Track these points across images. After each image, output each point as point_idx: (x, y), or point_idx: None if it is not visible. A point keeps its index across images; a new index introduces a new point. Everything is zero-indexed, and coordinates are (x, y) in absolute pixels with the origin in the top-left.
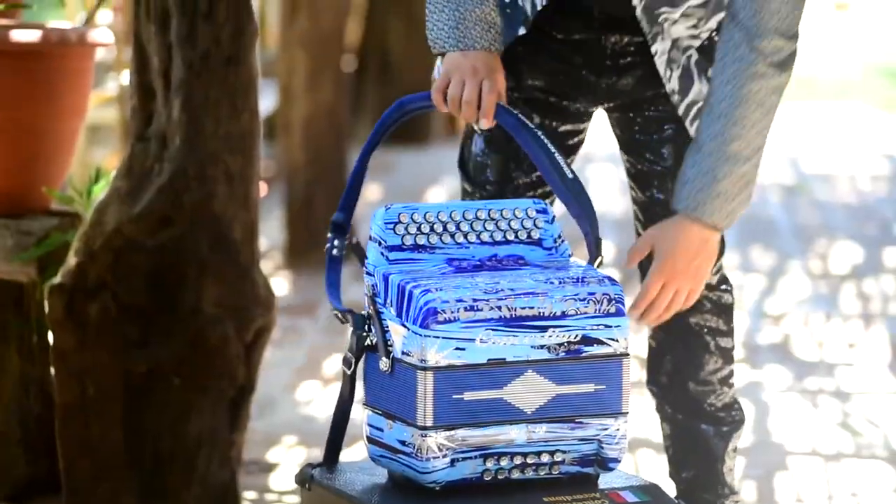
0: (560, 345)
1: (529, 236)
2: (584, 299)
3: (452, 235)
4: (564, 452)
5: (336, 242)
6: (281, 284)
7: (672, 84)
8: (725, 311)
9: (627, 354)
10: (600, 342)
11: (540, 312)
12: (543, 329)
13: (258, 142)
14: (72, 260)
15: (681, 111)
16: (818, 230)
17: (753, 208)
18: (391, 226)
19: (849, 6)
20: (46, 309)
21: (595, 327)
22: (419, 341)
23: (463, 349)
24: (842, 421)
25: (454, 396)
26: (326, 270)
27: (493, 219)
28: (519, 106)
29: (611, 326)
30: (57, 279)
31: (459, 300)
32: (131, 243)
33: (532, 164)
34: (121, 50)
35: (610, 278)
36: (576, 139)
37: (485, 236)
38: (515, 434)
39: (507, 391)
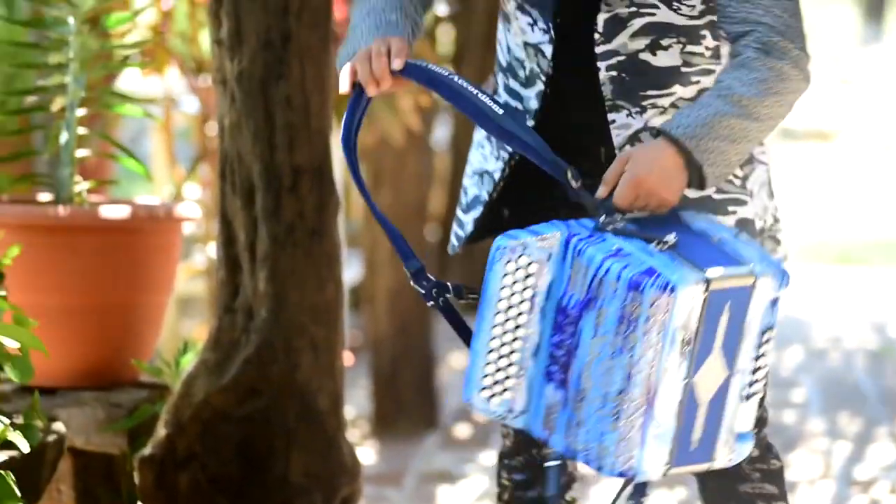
0: (681, 351)
1: None
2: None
3: None
4: (763, 329)
5: (434, 290)
6: (367, 453)
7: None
8: (776, 476)
9: (707, 281)
10: (683, 315)
11: (645, 370)
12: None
13: (342, 312)
14: (161, 431)
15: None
16: None
17: (839, 373)
18: None
19: None
20: (137, 480)
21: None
22: None
23: (659, 436)
24: None
25: None
26: (446, 318)
27: None
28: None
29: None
30: (147, 451)
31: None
32: (219, 414)
33: None
34: (208, 223)
35: None
36: None
37: None
38: None
39: (702, 399)
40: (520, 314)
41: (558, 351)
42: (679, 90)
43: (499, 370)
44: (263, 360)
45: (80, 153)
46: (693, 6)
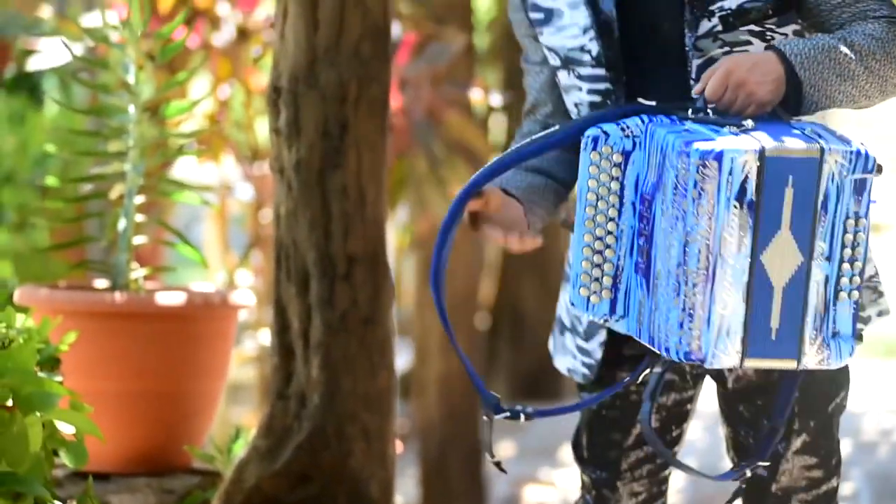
0: (740, 225)
1: None
2: (684, 194)
3: None
4: (847, 215)
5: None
6: None
7: None
8: None
9: (761, 151)
10: (745, 180)
11: (704, 242)
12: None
13: (395, 400)
14: None
15: None
16: None
17: (888, 466)
18: None
19: None
20: None
21: (728, 185)
22: None
23: (728, 327)
24: None
25: None
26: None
27: None
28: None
29: (730, 168)
30: None
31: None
32: (271, 500)
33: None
34: (260, 310)
35: None
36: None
37: None
38: None
39: (776, 282)
40: (610, 207)
41: (640, 240)
42: None
43: (595, 266)
44: (315, 446)
45: (137, 240)
46: (786, 35)
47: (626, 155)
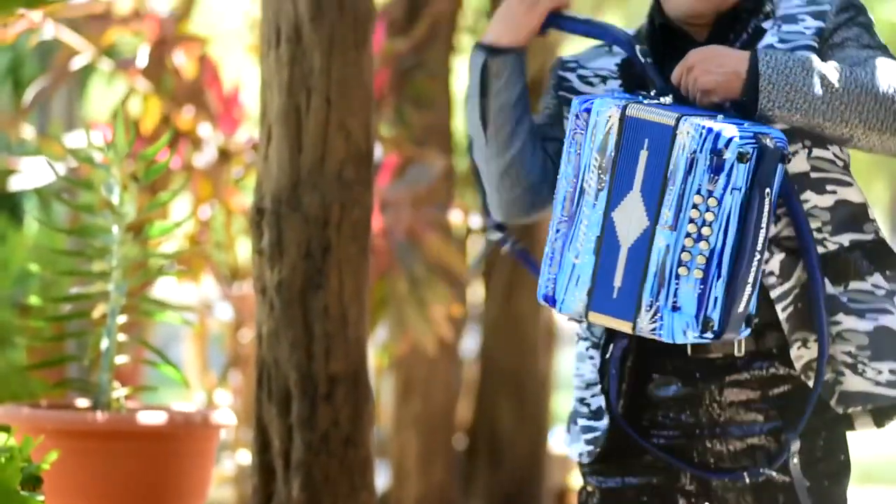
0: (598, 179)
1: None
2: (572, 143)
3: None
4: (698, 191)
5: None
6: None
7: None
8: None
9: (625, 107)
10: (607, 135)
11: (568, 191)
12: (582, 191)
13: None
14: None
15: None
16: None
17: None
18: None
19: None
20: None
21: (592, 138)
22: None
23: (578, 277)
24: None
25: None
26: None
27: None
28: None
29: (597, 121)
30: None
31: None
32: None
33: None
34: (238, 430)
35: None
36: None
37: None
38: None
39: (624, 241)
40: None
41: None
42: (813, 197)
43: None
44: None
45: (119, 359)
46: None
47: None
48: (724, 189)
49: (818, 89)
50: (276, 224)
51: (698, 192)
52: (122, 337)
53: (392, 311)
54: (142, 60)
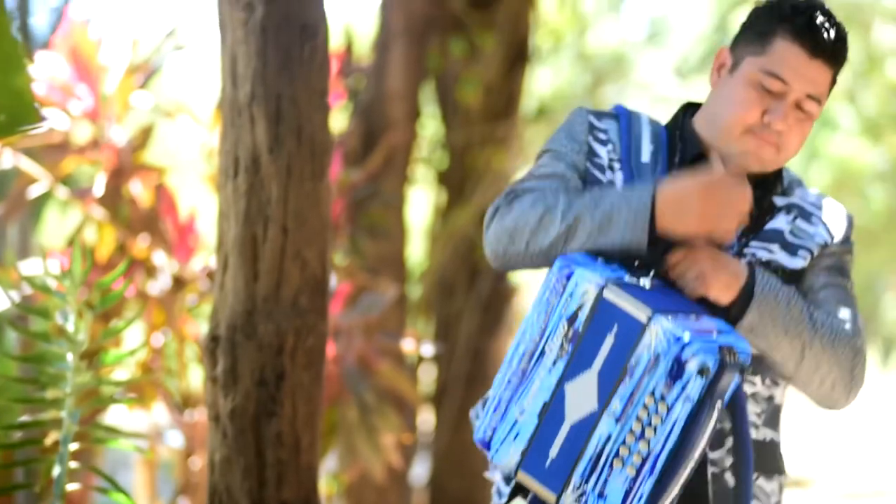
0: (561, 346)
1: None
2: (545, 303)
3: None
4: (653, 392)
5: None
6: None
7: None
8: None
9: (603, 286)
10: (579, 308)
11: (529, 350)
12: (542, 353)
13: None
14: None
15: None
16: None
17: None
18: None
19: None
20: None
21: (565, 305)
22: None
23: (517, 433)
24: None
25: None
26: None
27: None
28: None
29: (573, 291)
30: None
31: (487, 412)
32: None
33: None
34: None
35: None
36: None
37: None
38: None
39: (569, 416)
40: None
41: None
42: (758, 384)
43: None
44: None
45: (70, 486)
46: None
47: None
48: (677, 398)
49: (788, 339)
50: (230, 351)
51: (651, 393)
52: (73, 464)
53: (342, 439)
54: (98, 189)
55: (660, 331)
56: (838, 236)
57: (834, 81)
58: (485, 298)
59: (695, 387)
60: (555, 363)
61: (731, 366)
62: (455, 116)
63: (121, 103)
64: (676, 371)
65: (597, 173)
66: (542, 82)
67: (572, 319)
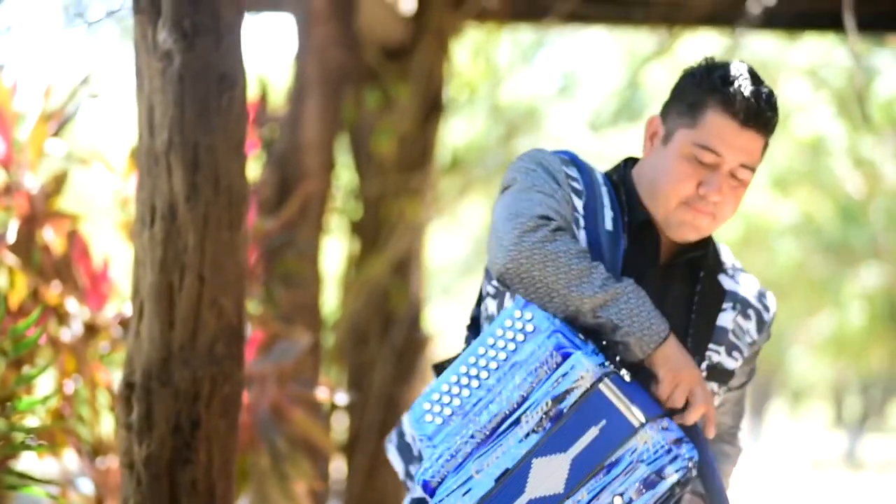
0: (539, 421)
1: None
2: (531, 373)
3: None
4: (622, 493)
5: None
6: None
7: None
8: None
9: (600, 378)
10: (569, 391)
11: (503, 412)
12: (517, 421)
13: None
14: None
15: None
16: None
17: None
18: None
19: None
20: None
21: (555, 384)
22: None
23: (469, 489)
24: None
25: None
26: None
27: None
28: None
29: (567, 372)
30: None
31: (440, 457)
32: None
33: None
34: None
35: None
36: None
37: None
38: None
39: (530, 490)
40: (495, 359)
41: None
42: None
43: (450, 395)
44: None
45: None
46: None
47: (530, 333)
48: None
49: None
50: (145, 398)
51: (621, 495)
52: None
53: (254, 486)
54: (11, 235)
55: (650, 440)
56: (764, 333)
57: (766, 146)
58: (398, 347)
59: (662, 492)
60: (528, 435)
61: (692, 479)
62: (369, 167)
63: (34, 150)
64: (652, 481)
65: (574, 226)
66: (457, 134)
67: (558, 399)
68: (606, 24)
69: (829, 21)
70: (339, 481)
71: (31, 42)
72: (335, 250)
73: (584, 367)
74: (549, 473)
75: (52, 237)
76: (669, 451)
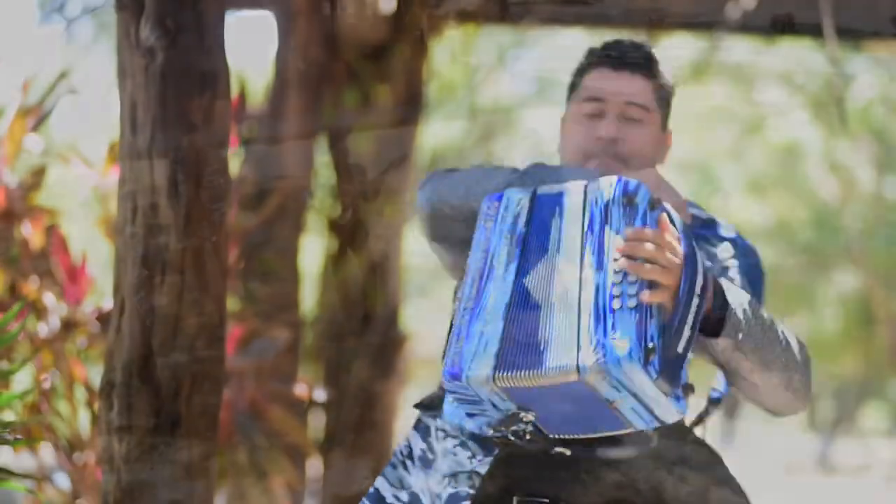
0: (508, 253)
1: None
2: (481, 230)
3: None
4: (617, 231)
5: None
6: None
7: None
8: None
9: (534, 191)
10: (516, 216)
11: (478, 272)
12: (491, 268)
13: None
14: None
15: None
16: None
17: None
18: None
19: None
20: None
21: (502, 221)
22: None
23: (486, 342)
24: None
25: None
26: None
27: None
28: None
29: (507, 206)
30: None
31: (450, 348)
32: None
33: None
34: None
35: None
36: None
37: None
38: None
39: (542, 300)
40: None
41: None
42: None
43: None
44: None
45: None
46: None
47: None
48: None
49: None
50: (125, 396)
51: (618, 233)
52: None
53: (231, 482)
54: None
55: (601, 185)
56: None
57: (663, 93)
58: (376, 345)
59: (651, 220)
60: (507, 269)
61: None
62: (348, 166)
63: (12, 145)
64: (630, 211)
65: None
66: (435, 134)
67: (513, 228)
68: (585, 27)
69: (806, 27)
70: (317, 478)
71: (8, 37)
72: (313, 248)
73: (518, 193)
74: (548, 276)
75: (30, 232)
76: (620, 179)
